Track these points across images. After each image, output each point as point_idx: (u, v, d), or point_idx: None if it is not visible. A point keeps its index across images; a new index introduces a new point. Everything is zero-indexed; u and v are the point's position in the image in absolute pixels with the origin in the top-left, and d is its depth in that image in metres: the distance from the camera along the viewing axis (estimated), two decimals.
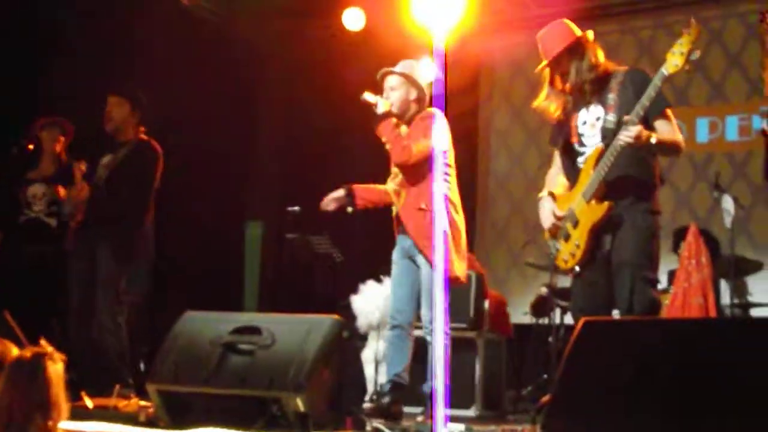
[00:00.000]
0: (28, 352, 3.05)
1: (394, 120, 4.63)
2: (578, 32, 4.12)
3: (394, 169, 4.73)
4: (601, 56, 4.11)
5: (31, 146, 5.62)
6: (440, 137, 4.64)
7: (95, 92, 5.69)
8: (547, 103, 4.20)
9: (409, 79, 4.76)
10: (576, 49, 4.08)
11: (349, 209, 4.86)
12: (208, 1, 8.42)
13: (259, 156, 9.17)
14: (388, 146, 4.59)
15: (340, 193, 4.85)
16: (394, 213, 4.73)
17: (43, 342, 3.11)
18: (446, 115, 4.82)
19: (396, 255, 4.74)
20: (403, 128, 4.68)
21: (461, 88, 8.42)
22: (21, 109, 6.07)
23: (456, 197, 4.70)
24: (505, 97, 9.13)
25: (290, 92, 8.91)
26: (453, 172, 4.73)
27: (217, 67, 8.04)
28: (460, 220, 4.68)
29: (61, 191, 5.51)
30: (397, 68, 4.80)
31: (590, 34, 4.12)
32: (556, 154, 4.37)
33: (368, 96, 4.61)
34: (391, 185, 4.74)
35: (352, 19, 8.13)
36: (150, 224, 5.50)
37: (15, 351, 3.52)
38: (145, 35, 7.04)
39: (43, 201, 5.67)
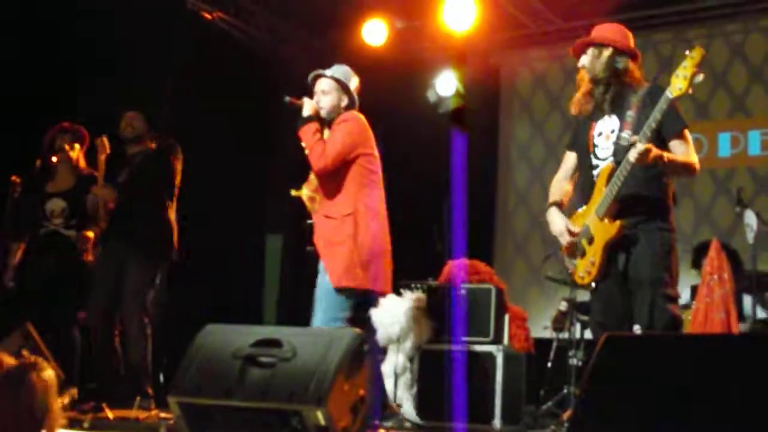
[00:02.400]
0: (12, 364, 3.05)
1: (316, 125, 4.49)
2: (631, 43, 4.16)
3: (312, 175, 4.57)
4: (632, 68, 4.12)
5: (55, 158, 5.64)
6: (360, 141, 4.51)
7: (115, 107, 5.75)
8: (584, 100, 4.20)
9: (342, 85, 4.64)
10: (616, 48, 4.10)
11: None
12: (230, 15, 8.47)
13: (280, 169, 9.20)
14: (306, 151, 4.44)
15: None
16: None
17: (25, 353, 3.12)
18: (467, 127, 4.81)
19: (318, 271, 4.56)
20: (326, 133, 4.55)
21: (482, 101, 8.45)
22: (42, 122, 6.10)
23: (379, 205, 4.53)
24: (526, 110, 9.14)
25: None
26: (377, 177, 4.56)
27: (238, 81, 8.08)
28: (378, 227, 4.48)
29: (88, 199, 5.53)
30: (330, 72, 4.67)
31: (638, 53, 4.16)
32: (566, 157, 4.38)
33: (292, 99, 4.52)
34: (305, 191, 4.59)
35: (374, 33, 8.16)
36: (174, 225, 5.52)
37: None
38: (167, 49, 7.09)
39: (62, 216, 5.68)
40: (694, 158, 4.02)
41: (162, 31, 6.96)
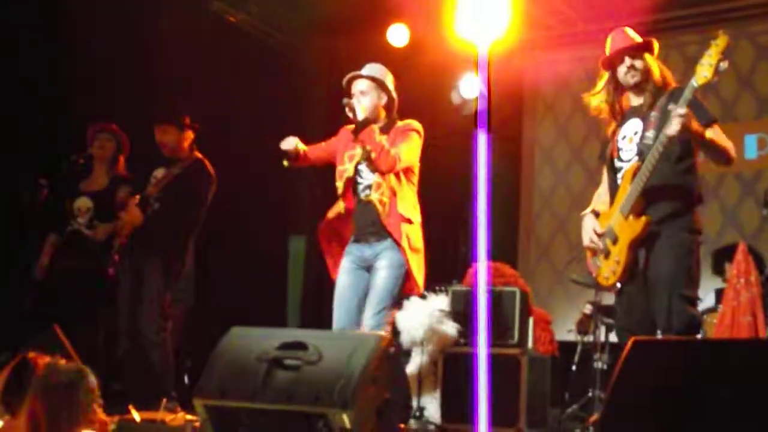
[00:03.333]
0: (67, 367, 3.09)
1: (376, 127, 4.49)
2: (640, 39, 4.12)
3: (376, 179, 4.54)
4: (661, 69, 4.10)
5: (81, 161, 5.66)
6: (419, 151, 4.60)
7: (144, 106, 5.77)
8: (595, 97, 4.18)
9: (379, 83, 4.64)
10: (641, 52, 4.06)
11: (285, 163, 4.71)
12: (254, 17, 8.50)
13: (303, 171, 9.21)
14: (373, 154, 4.42)
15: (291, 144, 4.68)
16: (342, 210, 4.64)
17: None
18: (490, 130, 4.81)
19: (346, 262, 4.60)
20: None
21: (505, 103, 8.43)
22: (73, 122, 6.14)
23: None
24: (550, 113, 9.11)
25: (334, 108, 8.94)
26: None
27: (262, 83, 8.11)
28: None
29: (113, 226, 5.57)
30: (366, 72, 4.67)
31: (656, 44, 4.11)
32: (604, 172, 4.35)
33: (350, 101, 4.50)
34: (374, 195, 4.54)
35: (397, 35, 8.16)
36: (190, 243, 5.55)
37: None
38: (191, 51, 7.12)
39: (86, 215, 5.71)
40: (730, 145, 3.98)
41: (187, 33, 6.98)
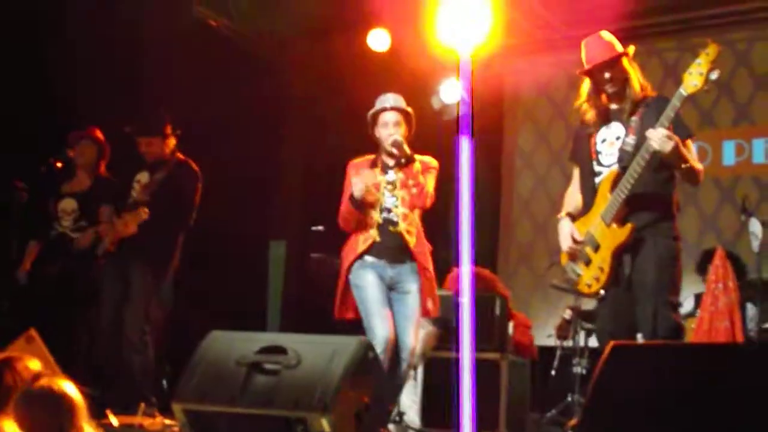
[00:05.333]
0: (49, 380, 3.06)
1: (419, 165, 4.70)
2: (621, 48, 4.11)
3: (403, 210, 4.72)
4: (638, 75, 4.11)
5: (59, 164, 5.64)
6: None
7: (123, 109, 5.75)
8: (587, 107, 4.18)
9: (409, 117, 4.81)
10: (628, 62, 4.07)
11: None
12: (234, 21, 8.48)
13: (283, 175, 9.20)
14: (414, 190, 4.65)
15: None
16: (376, 237, 4.70)
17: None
18: (471, 135, 4.83)
19: (371, 277, 4.70)
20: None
21: (486, 108, 8.44)
22: (55, 125, 6.11)
23: None
24: (530, 118, 9.13)
25: (315, 112, 8.94)
26: None
27: (242, 87, 8.08)
28: None
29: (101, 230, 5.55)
30: (398, 104, 4.81)
31: (631, 50, 4.12)
32: (575, 172, 4.36)
33: (396, 138, 4.66)
34: (402, 225, 4.71)
35: (378, 40, 8.16)
36: (180, 243, 5.53)
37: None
38: (170, 55, 7.10)
39: (71, 217, 5.69)
40: (700, 166, 4.02)
41: (168, 37, 6.96)
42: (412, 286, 4.68)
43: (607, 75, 4.06)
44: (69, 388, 2.98)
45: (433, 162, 4.83)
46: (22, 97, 6.28)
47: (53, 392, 2.94)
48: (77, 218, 5.70)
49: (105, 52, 6.64)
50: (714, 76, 3.79)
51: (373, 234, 4.69)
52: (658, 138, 3.77)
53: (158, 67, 6.94)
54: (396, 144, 4.64)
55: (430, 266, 4.77)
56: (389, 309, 4.65)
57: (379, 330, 4.54)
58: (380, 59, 8.10)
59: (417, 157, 4.76)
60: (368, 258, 4.69)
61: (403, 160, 4.69)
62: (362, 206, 4.67)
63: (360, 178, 4.66)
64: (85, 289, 5.60)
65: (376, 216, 4.70)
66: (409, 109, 4.82)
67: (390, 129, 4.71)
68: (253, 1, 8.38)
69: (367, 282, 4.67)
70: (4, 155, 6.10)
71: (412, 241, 4.71)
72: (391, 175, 4.74)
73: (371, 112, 4.80)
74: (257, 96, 8.45)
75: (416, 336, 4.70)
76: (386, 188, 4.73)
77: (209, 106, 7.37)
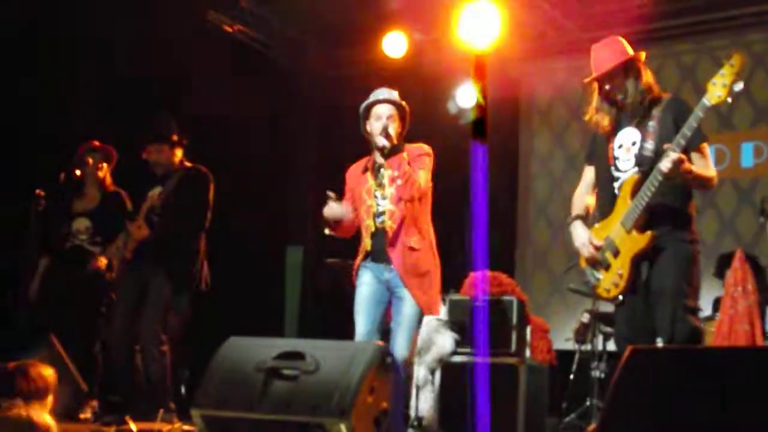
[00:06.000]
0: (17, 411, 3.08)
1: (406, 155, 4.55)
2: (632, 51, 4.10)
3: (389, 206, 4.57)
4: (652, 79, 4.09)
5: (78, 171, 5.68)
6: (431, 174, 4.64)
7: (135, 120, 5.78)
8: (600, 116, 4.17)
9: (403, 110, 4.67)
10: (630, 67, 4.06)
11: (326, 231, 4.71)
12: (250, 27, 8.51)
13: (300, 181, 9.23)
14: (399, 182, 4.50)
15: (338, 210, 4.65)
16: (368, 246, 4.61)
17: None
18: (487, 139, 4.80)
19: (367, 276, 4.63)
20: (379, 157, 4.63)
21: (502, 112, 8.43)
22: (61, 137, 6.14)
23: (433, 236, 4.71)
24: (546, 121, 9.12)
25: (331, 118, 8.96)
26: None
27: (259, 93, 8.11)
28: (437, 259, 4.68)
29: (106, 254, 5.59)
30: (391, 96, 4.68)
31: (642, 55, 4.10)
32: (586, 171, 4.35)
33: (388, 125, 4.54)
34: (388, 222, 4.57)
35: (394, 45, 8.17)
36: (202, 256, 5.55)
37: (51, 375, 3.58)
38: (187, 61, 7.13)
39: (87, 234, 5.75)
40: (713, 172, 4.00)
41: (184, 43, 6.99)
42: (405, 292, 4.54)
43: (614, 82, 4.06)
44: (42, 415, 2.99)
45: (424, 148, 4.66)
46: (29, 107, 6.32)
47: (27, 420, 2.95)
48: (92, 235, 5.74)
49: (118, 59, 6.67)
50: (738, 87, 3.76)
51: (366, 243, 4.62)
52: (670, 164, 3.77)
53: (173, 74, 6.97)
54: (384, 130, 4.52)
55: (414, 266, 4.52)
56: (384, 308, 4.59)
57: (360, 327, 4.54)
58: (396, 64, 8.12)
59: (408, 145, 4.64)
60: (367, 263, 4.64)
61: (386, 149, 4.54)
62: (330, 228, 4.64)
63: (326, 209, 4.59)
64: (101, 297, 5.63)
65: (369, 223, 4.61)
66: (403, 103, 4.67)
67: (383, 122, 4.59)
68: (267, 6, 8.41)
69: (362, 281, 4.63)
70: (21, 163, 6.15)
71: (389, 239, 4.55)
72: (383, 174, 4.60)
73: (363, 104, 4.68)
74: (273, 101, 8.48)
75: (410, 345, 4.54)
76: (377, 191, 4.62)
77: (225, 111, 7.41)
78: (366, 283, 4.62)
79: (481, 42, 6.98)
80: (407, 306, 4.53)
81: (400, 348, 4.46)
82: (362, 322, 4.55)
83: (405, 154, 4.53)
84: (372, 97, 4.67)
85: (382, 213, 4.58)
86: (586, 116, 4.22)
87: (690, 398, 2.86)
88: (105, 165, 5.85)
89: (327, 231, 4.74)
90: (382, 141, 4.53)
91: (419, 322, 4.58)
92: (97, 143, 5.86)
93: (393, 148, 4.54)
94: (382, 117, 4.60)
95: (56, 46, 6.51)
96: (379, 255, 4.58)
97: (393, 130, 4.56)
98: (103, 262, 5.54)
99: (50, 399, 3.59)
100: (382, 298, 4.60)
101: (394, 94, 4.68)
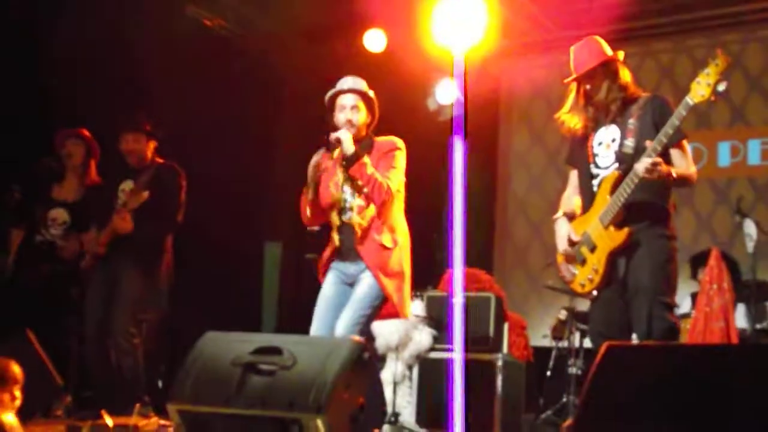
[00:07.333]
0: None
1: (367, 160, 4.27)
2: (610, 51, 4.12)
3: (359, 202, 4.33)
4: (630, 78, 4.12)
5: (52, 164, 5.65)
6: (404, 169, 4.39)
7: (110, 113, 5.75)
8: (570, 116, 4.20)
9: (369, 100, 4.40)
10: (608, 68, 4.08)
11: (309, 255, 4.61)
12: (229, 21, 8.47)
13: (279, 176, 9.20)
14: (365, 189, 4.24)
15: None
16: (337, 241, 4.38)
17: None
18: (466, 136, 4.78)
19: (331, 275, 4.43)
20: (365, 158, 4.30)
21: (481, 109, 8.45)
22: (46, 127, 6.10)
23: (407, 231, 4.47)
24: (525, 119, 9.15)
25: (310, 113, 8.93)
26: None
27: (237, 88, 8.09)
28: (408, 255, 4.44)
29: (85, 239, 5.55)
30: (356, 85, 4.40)
31: (621, 55, 4.13)
32: (572, 174, 4.37)
33: (338, 136, 4.25)
34: (356, 218, 4.32)
35: (373, 41, 8.17)
36: (170, 244, 5.54)
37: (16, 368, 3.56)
38: (165, 55, 7.09)
39: (61, 227, 5.71)
40: (692, 170, 4.04)
41: (162, 37, 6.95)
42: (364, 280, 4.28)
43: (593, 82, 4.09)
44: (3, 415, 2.96)
45: (395, 142, 4.39)
46: (15, 98, 6.26)
47: None
48: (68, 228, 5.70)
49: (97, 53, 6.62)
50: (721, 87, 3.78)
51: (334, 239, 4.40)
52: (648, 166, 3.80)
53: (152, 68, 6.93)
54: (334, 141, 4.24)
55: (386, 264, 4.28)
56: (341, 308, 4.31)
57: (313, 329, 4.35)
58: (376, 60, 8.11)
59: (377, 139, 4.40)
60: (335, 262, 4.44)
61: (344, 162, 4.27)
62: (315, 190, 4.38)
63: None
64: (72, 291, 5.60)
65: (335, 218, 4.38)
66: (370, 93, 4.40)
67: (347, 113, 4.33)
68: (247, 1, 8.38)
69: (326, 281, 4.43)
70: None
71: (358, 236, 4.31)
72: (349, 182, 4.37)
73: (328, 95, 4.41)
74: (252, 96, 8.45)
75: (356, 328, 4.18)
76: (345, 185, 4.36)
77: (204, 106, 7.37)
78: (329, 284, 4.42)
79: (461, 40, 6.97)
80: (362, 285, 4.29)
81: (341, 326, 4.20)
82: (314, 326, 4.37)
83: (367, 159, 4.27)
84: (336, 87, 4.43)
85: (350, 209, 4.35)
86: (558, 114, 4.25)
87: (665, 395, 2.88)
88: (83, 152, 5.79)
89: (309, 228, 4.63)
90: (338, 135, 4.26)
91: (372, 308, 4.28)
92: (82, 131, 5.82)
93: (353, 158, 4.25)
94: (346, 108, 4.36)
95: (36, 41, 6.46)
96: (347, 253, 4.37)
97: (354, 121, 4.32)
98: (72, 248, 5.51)
99: (17, 395, 3.56)
100: (342, 298, 4.35)
101: (360, 83, 4.42)
